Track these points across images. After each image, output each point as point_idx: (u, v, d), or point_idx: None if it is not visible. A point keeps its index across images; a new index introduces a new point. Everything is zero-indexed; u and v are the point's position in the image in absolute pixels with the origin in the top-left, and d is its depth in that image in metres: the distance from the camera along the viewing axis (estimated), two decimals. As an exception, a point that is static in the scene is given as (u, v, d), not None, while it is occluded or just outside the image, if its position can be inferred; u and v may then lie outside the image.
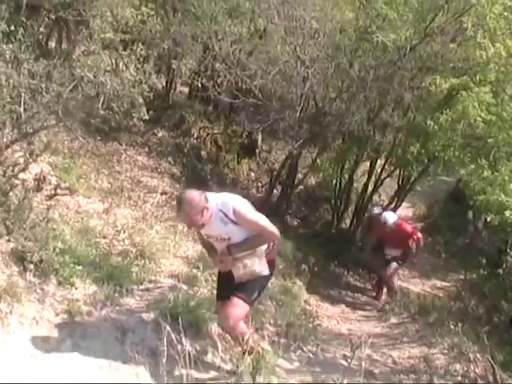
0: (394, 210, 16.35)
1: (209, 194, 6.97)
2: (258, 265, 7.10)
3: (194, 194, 6.82)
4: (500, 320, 12.13)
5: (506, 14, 10.53)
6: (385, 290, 13.93)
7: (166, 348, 6.29)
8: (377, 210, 14.53)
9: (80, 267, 8.20)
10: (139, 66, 8.97)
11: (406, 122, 14.32)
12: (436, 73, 13.18)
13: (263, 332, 9.33)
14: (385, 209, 15.28)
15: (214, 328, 8.27)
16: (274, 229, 7.02)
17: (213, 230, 7.05)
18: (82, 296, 7.89)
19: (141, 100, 8.88)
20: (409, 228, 13.60)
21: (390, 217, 13.44)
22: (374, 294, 14.27)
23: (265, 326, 9.55)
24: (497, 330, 11.92)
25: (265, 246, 7.14)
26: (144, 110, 9.00)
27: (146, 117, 9.07)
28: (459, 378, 9.52)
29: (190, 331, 7.82)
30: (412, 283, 15.30)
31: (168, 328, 5.93)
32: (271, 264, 7.28)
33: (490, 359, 9.78)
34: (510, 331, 12.15)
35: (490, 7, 10.64)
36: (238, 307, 7.15)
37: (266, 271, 7.17)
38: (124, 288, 8.55)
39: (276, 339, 9.46)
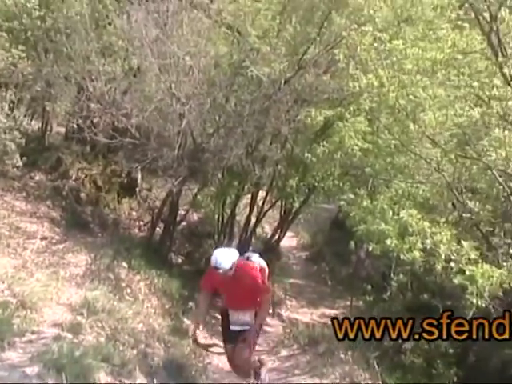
0: (278, 241, 16.38)
1: None
2: None
3: None
4: (389, 344, 12.26)
5: (376, 44, 10.72)
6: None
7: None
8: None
9: (-44, 324, 7.92)
10: (10, 112, 8.76)
11: (284, 154, 14.45)
12: (311, 104, 13.37)
13: (152, 376, 9.21)
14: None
15: (102, 377, 8.11)
16: None
17: None
18: (-40, 354, 7.61)
19: (13, 147, 8.67)
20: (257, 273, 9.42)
21: (224, 257, 9.01)
22: None
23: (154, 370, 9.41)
24: (386, 354, 12.07)
25: None
26: (17, 156, 8.81)
27: (20, 163, 8.86)
28: (353, 407, 9.62)
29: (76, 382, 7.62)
30: (300, 313, 15.37)
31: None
32: None
33: (382, 385, 9.94)
34: (400, 355, 12.33)
35: (361, 39, 10.83)
36: None
37: None
38: (5, 341, 8.32)
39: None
